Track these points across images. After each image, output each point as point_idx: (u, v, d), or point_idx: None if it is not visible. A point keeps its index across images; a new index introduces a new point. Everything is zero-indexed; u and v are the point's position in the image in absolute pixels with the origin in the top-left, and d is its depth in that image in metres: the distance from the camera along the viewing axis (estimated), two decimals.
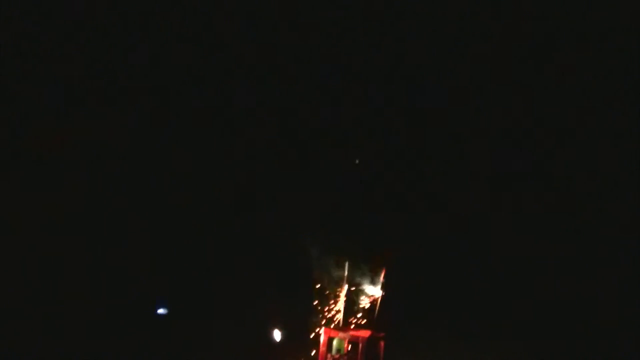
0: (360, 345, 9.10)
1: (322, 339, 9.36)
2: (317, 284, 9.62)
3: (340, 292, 9.53)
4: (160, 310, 10.49)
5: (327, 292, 9.60)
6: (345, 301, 9.52)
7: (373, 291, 9.46)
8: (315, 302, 9.65)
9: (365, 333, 9.26)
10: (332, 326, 9.51)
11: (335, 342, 9.37)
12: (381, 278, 9.37)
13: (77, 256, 10.91)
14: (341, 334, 9.34)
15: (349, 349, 9.29)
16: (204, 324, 10.63)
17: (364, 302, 9.54)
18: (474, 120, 13.09)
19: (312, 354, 9.56)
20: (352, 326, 9.52)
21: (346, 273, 9.49)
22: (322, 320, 9.59)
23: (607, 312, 12.32)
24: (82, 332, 9.98)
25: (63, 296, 10.45)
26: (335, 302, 9.58)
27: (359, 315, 9.53)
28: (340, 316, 9.52)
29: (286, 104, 12.47)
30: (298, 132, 12.54)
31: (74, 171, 11.35)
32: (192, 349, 9.80)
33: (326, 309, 9.61)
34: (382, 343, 9.37)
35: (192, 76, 12.26)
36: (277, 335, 9.55)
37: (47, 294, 10.41)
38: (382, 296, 9.37)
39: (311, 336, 9.62)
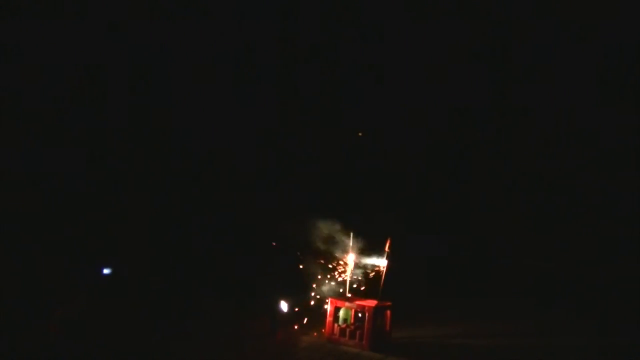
0: (367, 315, 9.12)
1: (328, 309, 9.42)
2: (322, 254, 9.63)
3: (346, 262, 9.54)
4: (106, 271, 10.39)
5: (333, 262, 9.60)
6: (351, 271, 9.53)
7: (379, 261, 9.45)
8: (321, 273, 9.67)
9: (371, 303, 9.27)
10: (338, 296, 9.53)
11: (341, 312, 9.40)
12: (386, 248, 9.35)
13: None
14: (347, 304, 9.35)
15: (356, 318, 9.32)
16: (207, 296, 10.67)
17: (370, 272, 9.55)
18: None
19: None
20: (359, 296, 9.54)
21: (351, 243, 9.49)
22: (328, 291, 9.61)
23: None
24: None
25: None
26: (341, 273, 9.59)
27: (366, 285, 9.54)
28: (346, 286, 9.53)
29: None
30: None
31: None
32: (196, 323, 9.77)
33: (332, 279, 9.63)
34: (388, 312, 9.40)
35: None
36: (283, 306, 9.55)
37: None
38: (388, 265, 9.35)
39: (317, 307, 9.65)
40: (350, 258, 9.52)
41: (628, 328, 11.12)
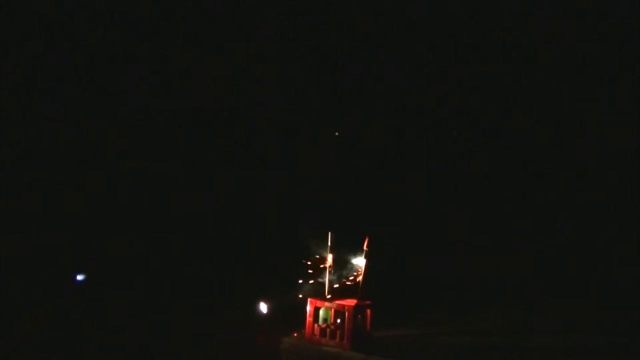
0: (347, 314, 9.08)
1: (308, 309, 9.37)
2: (301, 255, 9.59)
3: (325, 262, 9.49)
4: (79, 277, 10.34)
5: (311, 262, 9.55)
6: (330, 271, 9.48)
7: (357, 260, 9.42)
8: (300, 273, 9.62)
9: (351, 302, 9.24)
10: (318, 297, 9.48)
11: (321, 312, 9.36)
12: (364, 247, 9.32)
13: None
14: (327, 304, 9.31)
15: (336, 318, 9.26)
16: (186, 300, 10.60)
17: (349, 272, 9.51)
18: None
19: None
20: (339, 296, 9.50)
21: (329, 243, 9.44)
22: (307, 291, 9.56)
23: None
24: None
25: None
26: (320, 273, 9.54)
27: (345, 284, 9.50)
28: (325, 286, 9.48)
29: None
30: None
31: None
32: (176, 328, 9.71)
33: (311, 279, 9.58)
34: (368, 312, 9.37)
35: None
36: (263, 308, 9.51)
37: None
38: (366, 265, 9.32)
39: (297, 307, 9.60)
40: (329, 258, 9.47)
41: (625, 328, 11.05)
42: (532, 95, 13.32)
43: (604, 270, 12.90)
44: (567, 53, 13.00)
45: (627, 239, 12.85)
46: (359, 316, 9.24)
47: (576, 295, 12.70)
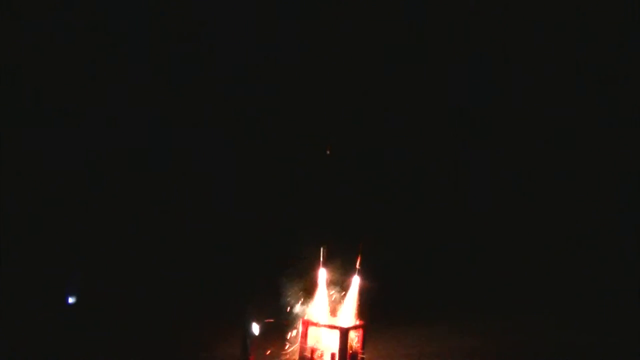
0: (340, 334, 8.90)
1: (300, 330, 9.20)
2: (292, 274, 9.41)
3: (317, 282, 9.32)
4: (70, 300, 10.29)
5: (304, 282, 9.39)
6: (322, 291, 9.31)
7: (350, 279, 9.24)
8: (292, 293, 9.45)
9: (344, 322, 9.08)
10: (309, 317, 9.31)
11: (314, 333, 9.16)
12: (357, 265, 9.14)
13: None
14: (320, 325, 9.13)
15: (328, 339, 9.04)
16: (181, 316, 10.53)
17: (341, 291, 9.34)
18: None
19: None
20: (332, 316, 9.33)
21: (322, 259, 9.26)
22: (299, 311, 9.40)
23: None
24: None
25: None
26: (312, 293, 9.37)
27: (337, 304, 9.34)
28: (317, 306, 9.31)
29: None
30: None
31: None
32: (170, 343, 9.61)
33: (303, 300, 9.41)
34: (361, 331, 9.18)
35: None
36: (255, 328, 9.35)
37: None
38: (359, 284, 9.14)
39: (289, 328, 9.45)
40: (322, 275, 9.28)
41: (625, 328, 10.97)
42: (532, 96, 13.16)
43: (604, 270, 12.86)
44: (567, 53, 12.80)
45: (627, 239, 12.81)
46: (352, 336, 9.06)
47: (575, 295, 12.68)
